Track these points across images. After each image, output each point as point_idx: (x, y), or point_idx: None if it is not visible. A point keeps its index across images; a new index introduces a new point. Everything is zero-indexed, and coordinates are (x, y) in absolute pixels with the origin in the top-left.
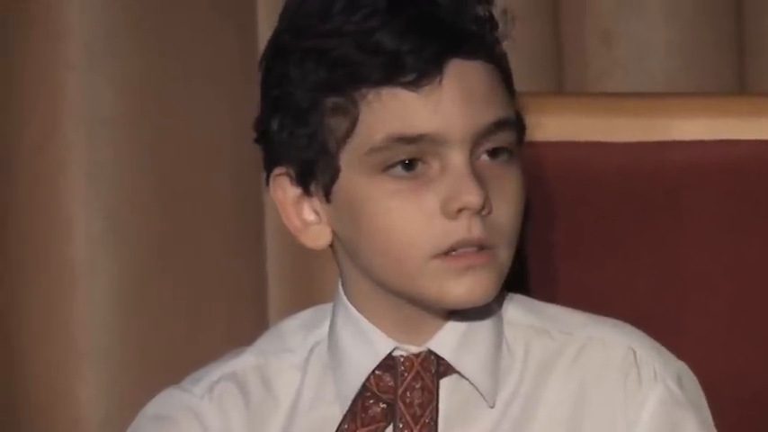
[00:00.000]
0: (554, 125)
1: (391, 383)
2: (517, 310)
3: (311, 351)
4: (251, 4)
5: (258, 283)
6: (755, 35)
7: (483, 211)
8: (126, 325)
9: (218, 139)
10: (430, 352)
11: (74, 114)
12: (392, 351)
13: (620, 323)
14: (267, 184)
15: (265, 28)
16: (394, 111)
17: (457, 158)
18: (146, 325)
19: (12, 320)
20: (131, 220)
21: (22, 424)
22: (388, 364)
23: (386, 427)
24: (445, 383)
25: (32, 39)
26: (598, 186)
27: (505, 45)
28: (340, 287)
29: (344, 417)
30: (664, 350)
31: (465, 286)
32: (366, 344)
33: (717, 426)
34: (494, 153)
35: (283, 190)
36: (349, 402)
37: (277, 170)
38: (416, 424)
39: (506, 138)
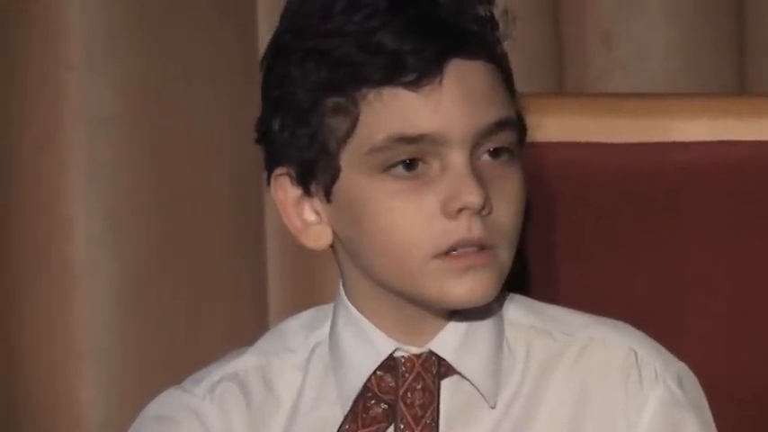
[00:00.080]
0: (554, 126)
1: (392, 384)
2: (518, 310)
3: (312, 351)
4: (251, 4)
5: (258, 283)
6: (756, 35)
7: (483, 211)
8: (126, 325)
9: (218, 139)
10: (431, 353)
11: (74, 114)
12: (393, 352)
13: (620, 324)
14: (268, 184)
15: (265, 28)
16: (395, 111)
17: (457, 158)
18: (146, 325)
19: (12, 320)
20: (131, 220)
21: (23, 424)
22: (389, 364)
23: (387, 427)
24: (446, 384)
25: (33, 39)
26: (598, 187)
27: (506, 45)
28: (341, 288)
29: (345, 417)
30: (664, 351)
31: (466, 286)
32: (367, 344)
33: (717, 426)
34: (495, 153)
35: (284, 190)
36: (350, 403)
37: (278, 170)
38: (417, 425)
39: (507, 138)
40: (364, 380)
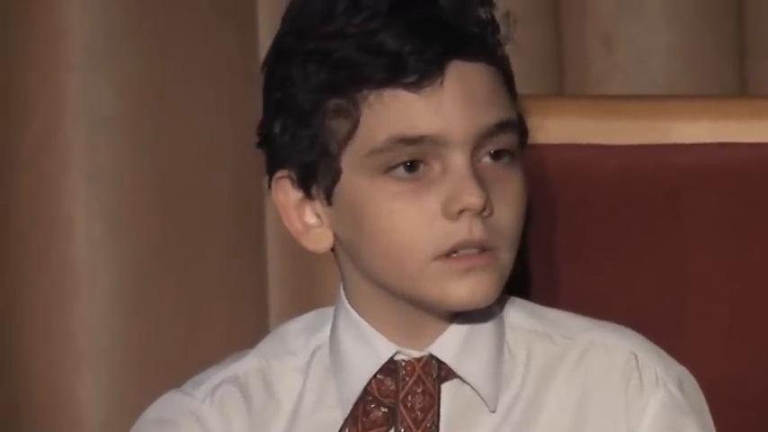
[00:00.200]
0: (555, 128)
1: (393, 388)
2: (519, 314)
3: (313, 354)
4: (251, 4)
5: (259, 285)
6: (756, 38)
7: (484, 212)
8: (126, 326)
9: (219, 139)
10: (431, 356)
11: (74, 115)
12: (394, 355)
13: (621, 328)
14: (269, 187)
15: (266, 28)
16: (395, 112)
17: (458, 160)
18: (146, 326)
19: (13, 321)
20: (132, 221)
21: (24, 424)
22: (390, 368)
23: (387, 431)
24: (447, 388)
25: (33, 39)
26: (599, 189)
27: (507, 48)
28: (341, 290)
29: (346, 421)
30: (665, 354)
31: (466, 288)
32: (367, 348)
33: (718, 428)
34: (496, 155)
35: (285, 193)
36: (350, 406)
37: (279, 173)
38: (418, 428)
39: (508, 140)
40: (365, 383)
